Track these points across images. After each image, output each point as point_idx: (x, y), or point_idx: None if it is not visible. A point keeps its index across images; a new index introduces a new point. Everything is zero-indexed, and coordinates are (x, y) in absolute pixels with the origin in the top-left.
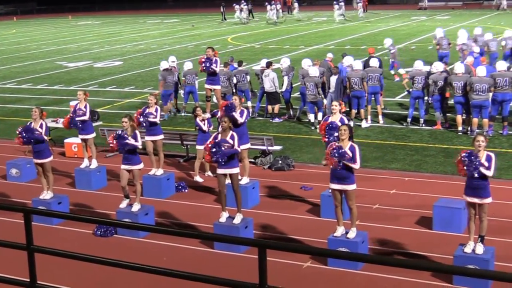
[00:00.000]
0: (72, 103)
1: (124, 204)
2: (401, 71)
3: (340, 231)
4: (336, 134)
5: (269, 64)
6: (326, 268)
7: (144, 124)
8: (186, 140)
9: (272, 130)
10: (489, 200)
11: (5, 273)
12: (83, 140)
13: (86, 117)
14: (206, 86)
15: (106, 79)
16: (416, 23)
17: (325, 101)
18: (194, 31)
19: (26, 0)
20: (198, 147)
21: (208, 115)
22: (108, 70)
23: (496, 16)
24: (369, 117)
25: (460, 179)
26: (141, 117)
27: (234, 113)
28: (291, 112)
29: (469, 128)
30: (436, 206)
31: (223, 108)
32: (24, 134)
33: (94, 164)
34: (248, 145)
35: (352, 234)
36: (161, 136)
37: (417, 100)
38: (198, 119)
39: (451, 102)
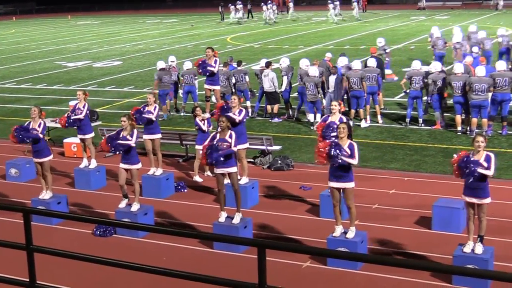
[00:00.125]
0: (72, 103)
1: (123, 204)
2: (388, 71)
3: (338, 230)
4: (333, 134)
5: (268, 64)
6: (326, 268)
7: (140, 122)
8: (185, 140)
9: (271, 130)
10: (488, 200)
11: (4, 273)
12: (82, 140)
13: (81, 116)
14: (206, 86)
15: (105, 79)
16: (415, 23)
17: (323, 101)
18: (193, 31)
19: (25, 0)
20: (197, 147)
21: (207, 115)
22: (107, 70)
23: (495, 16)
24: (368, 117)
25: (459, 179)
26: (136, 113)
27: (230, 114)
28: (290, 112)
29: (468, 128)
30: (436, 206)
31: (219, 109)
32: (19, 132)
33: (94, 164)
34: (246, 145)
35: (351, 234)
36: (159, 135)
37: (415, 100)
38: (197, 119)
39: (450, 102)
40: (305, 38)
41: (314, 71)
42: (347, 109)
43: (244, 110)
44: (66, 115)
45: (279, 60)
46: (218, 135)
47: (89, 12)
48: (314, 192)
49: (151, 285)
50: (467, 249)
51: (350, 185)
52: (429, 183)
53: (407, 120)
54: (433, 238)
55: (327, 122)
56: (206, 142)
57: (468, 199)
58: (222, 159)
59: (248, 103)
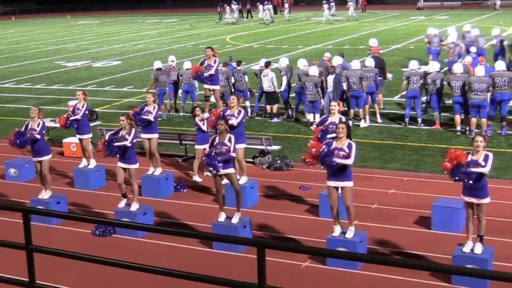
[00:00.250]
0: (71, 103)
1: (122, 203)
2: None
3: (337, 230)
4: (329, 136)
5: (268, 64)
6: (325, 268)
7: (139, 123)
8: (184, 140)
9: (270, 130)
10: (487, 200)
11: (4, 273)
12: (80, 140)
13: (78, 117)
14: (205, 86)
15: (104, 78)
16: (415, 23)
17: (322, 101)
18: (192, 31)
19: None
20: (197, 146)
21: (207, 114)
22: (106, 69)
23: (495, 16)
24: (367, 116)
25: None
26: (135, 115)
27: (229, 120)
28: (290, 112)
29: (467, 128)
30: (435, 206)
31: (216, 118)
32: (15, 138)
33: (93, 163)
34: (244, 145)
35: (350, 233)
36: (156, 135)
37: (413, 100)
38: (197, 119)
39: (449, 102)
40: (304, 38)
41: (314, 71)
42: (346, 109)
43: (243, 111)
44: (66, 115)
45: (279, 60)
46: (217, 138)
47: (89, 12)
48: (313, 192)
49: (150, 285)
50: (466, 249)
51: (348, 184)
52: (429, 183)
53: (406, 120)
54: (432, 238)
55: (326, 123)
56: (206, 146)
57: (467, 199)
58: (221, 164)
59: (248, 103)
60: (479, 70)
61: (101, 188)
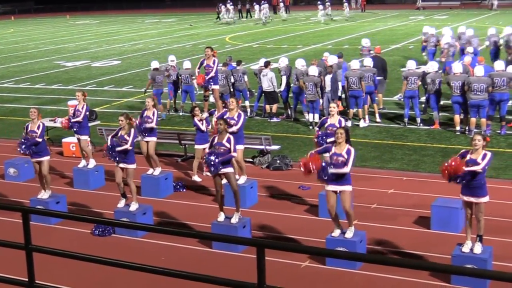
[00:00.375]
0: (71, 103)
1: (121, 203)
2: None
3: (337, 232)
4: (329, 140)
5: (267, 64)
6: (324, 268)
7: (144, 132)
8: (184, 139)
9: (270, 130)
10: (485, 199)
11: (3, 273)
12: (79, 140)
13: (79, 119)
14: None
15: (104, 78)
16: (414, 23)
17: (321, 101)
18: (192, 31)
19: None
20: (196, 146)
21: (206, 114)
22: (106, 69)
23: (494, 16)
24: (366, 116)
25: None
26: (139, 126)
27: (229, 124)
28: (289, 112)
29: (467, 128)
30: (434, 206)
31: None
32: (21, 146)
33: (92, 163)
34: (243, 146)
35: (349, 233)
36: (154, 138)
37: (411, 100)
38: (196, 119)
39: (448, 101)
40: (304, 38)
41: (313, 70)
42: (345, 108)
43: (242, 115)
44: (68, 117)
45: (278, 60)
46: (216, 138)
47: (88, 11)
48: (313, 192)
49: (150, 284)
50: (466, 248)
51: (347, 188)
52: (428, 182)
53: (405, 120)
54: (431, 238)
55: (325, 125)
56: (206, 146)
57: (466, 198)
58: (221, 166)
59: (247, 103)
60: (479, 70)
61: (100, 188)
